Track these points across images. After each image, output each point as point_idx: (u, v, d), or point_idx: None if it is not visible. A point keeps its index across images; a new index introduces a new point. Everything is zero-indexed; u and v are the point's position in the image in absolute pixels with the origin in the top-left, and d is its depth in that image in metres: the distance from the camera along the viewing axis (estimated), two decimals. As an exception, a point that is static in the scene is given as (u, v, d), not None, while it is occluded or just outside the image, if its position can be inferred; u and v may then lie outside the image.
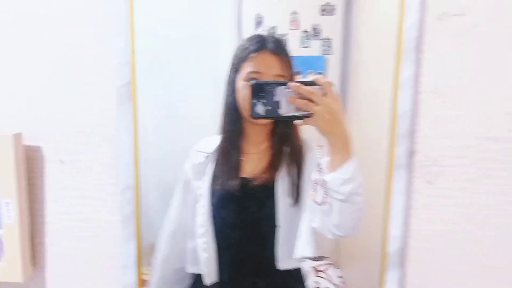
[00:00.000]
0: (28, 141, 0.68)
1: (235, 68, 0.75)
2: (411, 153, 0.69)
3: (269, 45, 0.74)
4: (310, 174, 0.72)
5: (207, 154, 0.78)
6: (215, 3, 0.81)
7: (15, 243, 0.67)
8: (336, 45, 0.78)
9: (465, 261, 0.72)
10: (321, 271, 0.86)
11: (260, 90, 0.64)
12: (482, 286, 0.73)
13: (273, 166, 0.76)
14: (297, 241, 0.76)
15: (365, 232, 0.80)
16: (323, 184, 0.67)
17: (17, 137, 0.66)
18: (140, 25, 0.67)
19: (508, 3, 0.65)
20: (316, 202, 0.69)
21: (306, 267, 0.91)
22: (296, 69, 0.78)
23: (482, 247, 0.71)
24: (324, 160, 0.67)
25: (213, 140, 0.79)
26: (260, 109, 0.64)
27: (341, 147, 0.65)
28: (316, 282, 0.89)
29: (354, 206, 0.68)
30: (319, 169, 0.68)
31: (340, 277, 0.91)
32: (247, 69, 0.73)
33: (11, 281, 0.68)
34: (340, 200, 0.67)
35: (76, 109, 0.69)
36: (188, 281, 0.82)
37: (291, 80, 0.68)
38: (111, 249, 0.72)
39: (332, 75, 0.78)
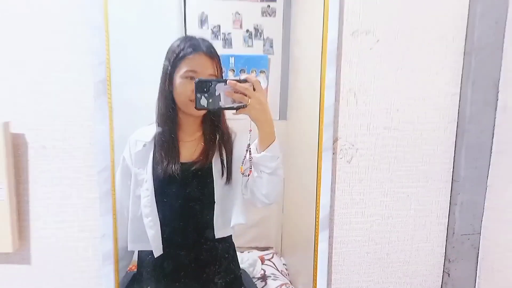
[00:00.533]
0: (14, 129, 0.78)
1: (173, 65, 0.83)
2: (335, 139, 0.89)
3: (203, 48, 0.84)
4: (237, 155, 0.89)
5: (144, 143, 0.86)
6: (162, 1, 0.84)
7: (5, 219, 0.76)
8: (277, 44, 0.85)
9: (375, 219, 0.93)
10: (267, 260, 1.03)
11: (203, 86, 0.78)
12: (387, 237, 0.94)
13: (207, 151, 0.88)
14: (231, 212, 0.90)
15: (303, 218, 0.96)
16: (250, 160, 0.84)
17: (6, 125, 0.75)
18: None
19: (402, 24, 0.87)
20: (242, 174, 0.86)
21: (253, 255, 1.06)
22: (241, 67, 0.90)
23: (385, 208, 0.93)
24: (254, 142, 0.84)
25: (149, 129, 0.87)
26: (204, 101, 0.79)
27: (268, 131, 0.83)
28: (263, 269, 1.04)
29: (278, 177, 0.87)
30: (248, 149, 0.85)
31: (284, 264, 1.07)
32: (184, 68, 0.83)
33: (1, 251, 0.77)
34: (268, 173, 0.85)
35: (58, 102, 0.78)
36: (127, 260, 0.92)
37: (227, 78, 0.82)
38: (90, 222, 0.83)
39: (273, 73, 0.86)
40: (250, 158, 0.85)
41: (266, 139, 0.84)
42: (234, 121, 0.90)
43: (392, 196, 0.93)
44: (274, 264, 1.04)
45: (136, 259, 0.94)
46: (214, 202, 0.89)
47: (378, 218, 0.93)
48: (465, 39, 0.89)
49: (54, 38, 0.77)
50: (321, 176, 0.87)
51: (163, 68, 0.84)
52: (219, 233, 0.90)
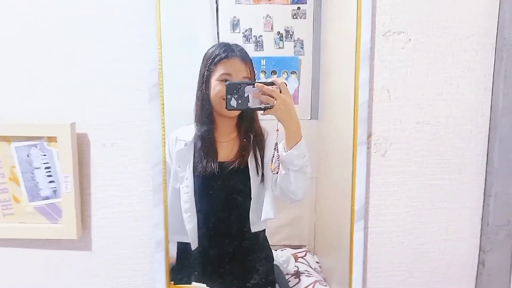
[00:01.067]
0: (79, 129, 0.87)
1: (209, 69, 0.90)
2: (369, 134, 0.94)
3: (236, 53, 0.90)
4: (269, 154, 0.94)
5: (186, 142, 0.93)
6: (194, 5, 0.89)
7: (70, 209, 0.85)
8: (308, 46, 0.88)
9: (409, 210, 0.97)
10: (300, 257, 1.08)
11: (233, 88, 0.85)
12: (421, 227, 0.98)
13: (243, 151, 0.94)
14: (262, 208, 0.96)
15: (336, 217, 1.00)
16: (278, 158, 0.90)
17: (73, 126, 0.85)
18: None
19: (433, 23, 0.90)
20: (272, 171, 0.92)
21: (287, 253, 1.10)
22: (273, 68, 0.95)
23: (419, 200, 0.96)
24: (281, 141, 0.90)
25: (189, 129, 0.92)
26: (233, 102, 0.85)
27: (294, 130, 0.89)
28: (296, 267, 1.07)
29: (305, 175, 0.92)
30: (276, 147, 0.91)
31: (317, 262, 1.09)
32: (220, 71, 0.89)
33: (68, 238, 0.86)
34: (294, 171, 0.91)
35: (116, 104, 0.88)
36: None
37: (256, 81, 0.88)
38: (144, 211, 0.91)
39: (304, 73, 0.90)
40: (278, 156, 0.90)
41: (293, 138, 0.89)
42: (267, 122, 0.95)
43: (426, 188, 0.96)
44: (308, 262, 1.08)
45: (175, 253, 0.99)
46: (251, 198, 0.95)
47: (412, 209, 0.97)
48: (496, 35, 0.92)
49: (116, 49, 0.87)
50: (356, 169, 0.92)
51: (200, 72, 0.91)
52: (254, 227, 0.96)
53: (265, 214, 0.96)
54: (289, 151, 0.90)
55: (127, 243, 0.93)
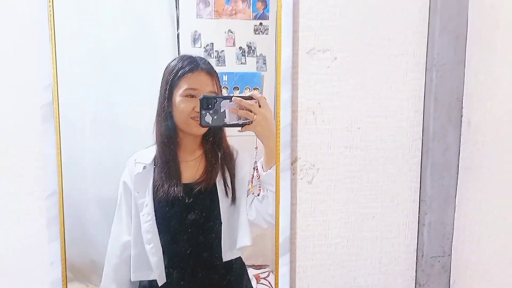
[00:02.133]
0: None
1: (171, 84, 0.81)
2: (294, 159, 0.87)
3: (201, 66, 0.83)
4: (240, 174, 0.86)
5: (144, 165, 0.84)
6: (153, 19, 0.84)
7: None
8: (271, 61, 0.83)
9: (340, 241, 0.90)
10: (262, 278, 0.99)
11: (208, 103, 0.78)
12: (353, 260, 0.90)
13: (211, 170, 0.86)
14: (237, 234, 0.87)
15: None
16: (258, 179, 0.83)
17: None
18: (71, 34, 0.77)
19: (359, 42, 0.85)
20: (253, 194, 0.85)
21: (249, 274, 1.01)
22: (235, 84, 0.90)
23: (350, 230, 0.90)
24: (260, 160, 0.83)
25: (149, 151, 0.85)
26: (208, 118, 0.79)
27: (274, 147, 0.82)
28: None
29: None
30: (255, 167, 0.84)
31: None
32: (183, 86, 0.81)
33: None
34: (274, 192, 0.84)
35: (4, 126, 0.78)
36: None
37: (233, 95, 0.82)
38: (38, 249, 0.80)
39: (267, 89, 0.85)
40: (258, 177, 0.83)
41: (273, 156, 0.83)
42: (235, 139, 0.87)
43: (357, 217, 0.90)
44: (270, 283, 1.00)
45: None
46: (221, 224, 0.86)
47: (343, 240, 0.90)
48: (426, 55, 0.87)
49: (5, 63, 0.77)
50: (279, 197, 0.84)
51: (161, 87, 0.83)
52: (226, 255, 0.87)
53: (240, 240, 0.87)
54: (269, 170, 0.83)
55: (19, 285, 0.81)
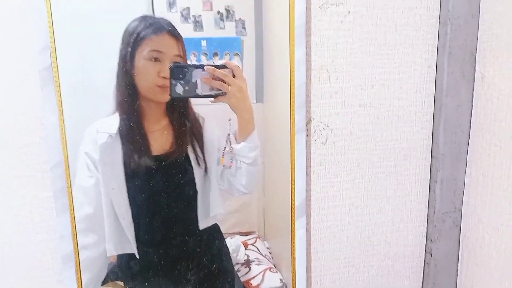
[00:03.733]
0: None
1: (133, 47, 0.75)
2: (308, 120, 0.84)
3: (166, 27, 0.76)
4: (209, 143, 0.83)
5: (109, 134, 0.77)
6: None
7: None
8: (250, 26, 0.81)
9: (354, 202, 0.89)
10: (250, 244, 0.97)
11: (179, 72, 0.72)
12: (366, 219, 0.90)
13: (181, 140, 0.81)
14: (210, 202, 0.85)
15: (284, 201, 0.91)
16: (230, 150, 0.80)
17: None
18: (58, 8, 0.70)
19: (373, -5, 0.81)
20: (225, 166, 0.82)
21: (236, 241, 1.01)
22: (214, 50, 0.85)
23: (363, 189, 0.89)
24: (233, 131, 0.80)
25: (110, 120, 0.78)
26: (179, 89, 0.73)
27: (247, 119, 0.78)
28: (246, 254, 0.99)
29: (257, 167, 0.83)
30: (228, 139, 0.80)
31: (268, 248, 1.03)
32: (146, 48, 0.75)
33: None
34: (247, 164, 0.81)
35: (2, 94, 0.72)
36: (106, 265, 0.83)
37: (205, 64, 0.75)
38: (47, 222, 0.76)
39: (247, 55, 0.83)
40: (231, 149, 0.80)
41: (246, 128, 0.79)
42: (201, 107, 0.83)
43: (370, 177, 0.89)
44: (258, 249, 1.01)
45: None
46: (196, 193, 0.83)
47: (356, 200, 0.89)
48: (440, 8, 0.84)
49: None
50: (295, 159, 0.82)
51: (120, 52, 0.75)
52: (202, 223, 0.85)
53: (213, 209, 0.85)
54: (242, 142, 0.80)
55: (28, 260, 0.77)
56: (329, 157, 0.86)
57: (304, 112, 0.81)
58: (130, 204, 0.79)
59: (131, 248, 0.80)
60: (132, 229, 0.80)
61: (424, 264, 0.94)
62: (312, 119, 0.84)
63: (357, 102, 0.85)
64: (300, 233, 0.85)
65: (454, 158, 0.88)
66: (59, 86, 0.71)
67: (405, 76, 0.86)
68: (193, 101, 0.82)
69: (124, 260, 0.83)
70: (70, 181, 0.74)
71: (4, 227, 0.76)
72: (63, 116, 0.72)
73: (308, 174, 0.85)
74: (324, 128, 0.85)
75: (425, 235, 0.93)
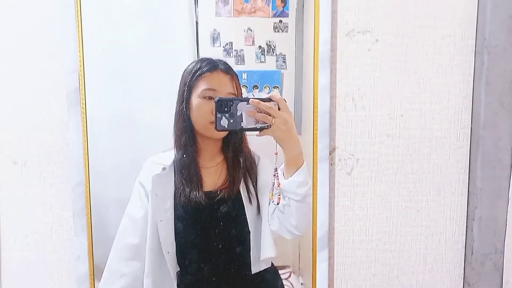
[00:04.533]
0: (-16, 143, 0.74)
1: (189, 85, 0.78)
2: (332, 149, 0.81)
3: (220, 66, 0.79)
4: (263, 182, 0.81)
5: (164, 166, 0.78)
6: (173, 18, 0.82)
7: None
8: (290, 60, 0.81)
9: (381, 237, 0.84)
10: (284, 279, 0.94)
11: (224, 106, 0.72)
12: (396, 257, 0.85)
13: (233, 177, 0.80)
14: (261, 244, 0.81)
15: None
16: (278, 187, 0.76)
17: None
18: (94, 31, 0.74)
19: (402, 22, 0.79)
20: (273, 202, 0.78)
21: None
22: (254, 82, 0.85)
23: (392, 224, 0.84)
24: (280, 166, 0.77)
25: (167, 154, 0.79)
26: (224, 122, 0.72)
27: (295, 153, 0.75)
28: None
29: (307, 206, 0.79)
30: (275, 174, 0.77)
31: (302, 284, 1.00)
32: (201, 86, 0.77)
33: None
34: (296, 201, 0.77)
35: (29, 113, 0.75)
36: None
37: (250, 97, 0.75)
38: (64, 242, 0.77)
39: (287, 88, 0.83)
40: (278, 184, 0.77)
41: (294, 163, 0.76)
42: (256, 145, 0.83)
43: (399, 211, 0.83)
44: (291, 284, 0.96)
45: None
46: (249, 233, 0.80)
47: (384, 236, 0.84)
48: (476, 36, 0.81)
49: (25, 49, 0.74)
50: (317, 189, 0.79)
51: (179, 90, 0.78)
52: (255, 267, 0.81)
53: (264, 252, 0.81)
54: (290, 178, 0.76)
55: (44, 280, 0.78)
56: (355, 188, 0.82)
57: (327, 140, 0.78)
58: (176, 239, 0.78)
59: (170, 285, 0.78)
60: (175, 264, 0.78)
61: (461, 311, 0.86)
62: (336, 147, 0.81)
63: (385, 132, 0.81)
64: (321, 267, 0.80)
65: (493, 195, 0.81)
66: (85, 108, 0.73)
67: (438, 106, 0.82)
68: (249, 138, 0.82)
69: None
70: (90, 202, 0.75)
71: (24, 245, 0.77)
72: (87, 137, 0.74)
73: (331, 205, 0.81)
74: (350, 157, 0.81)
75: (462, 277, 0.85)
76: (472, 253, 0.83)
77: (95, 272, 0.77)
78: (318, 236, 0.80)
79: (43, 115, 0.75)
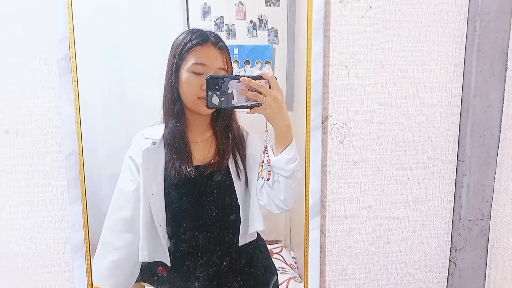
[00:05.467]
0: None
1: (179, 58, 0.76)
2: (325, 118, 0.81)
3: (211, 39, 0.77)
4: (251, 157, 0.81)
5: (154, 140, 0.78)
6: None
7: (-36, 208, 0.71)
8: (282, 34, 0.80)
9: (372, 204, 0.86)
10: (275, 253, 0.95)
11: (215, 83, 0.72)
12: (386, 224, 0.87)
13: (222, 152, 0.81)
14: (249, 218, 0.83)
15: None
16: (268, 163, 0.78)
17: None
18: (84, 6, 0.72)
19: (396, -11, 0.79)
20: (263, 178, 0.79)
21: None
22: (246, 57, 0.85)
23: (383, 192, 0.85)
24: (270, 143, 0.78)
25: (156, 128, 0.79)
26: (215, 100, 0.73)
27: (285, 131, 0.76)
28: None
29: (296, 181, 0.79)
30: (265, 151, 0.78)
31: (293, 258, 1.01)
32: (191, 60, 0.76)
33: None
34: (285, 176, 0.78)
35: (20, 82, 0.73)
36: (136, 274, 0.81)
37: (241, 75, 0.75)
38: (59, 211, 0.77)
39: (279, 63, 0.82)
40: (268, 161, 0.78)
41: (283, 140, 0.77)
42: (245, 121, 0.82)
43: (390, 179, 0.85)
44: (283, 258, 0.98)
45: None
46: (238, 206, 0.82)
47: (375, 203, 0.85)
48: (468, 3, 0.80)
49: (12, 15, 0.72)
50: (309, 157, 0.79)
51: (168, 62, 0.77)
52: (242, 240, 0.83)
53: (252, 225, 0.83)
54: (279, 154, 0.77)
55: (40, 248, 0.78)
56: (347, 157, 0.83)
57: (320, 109, 0.79)
58: (167, 211, 0.79)
59: (164, 256, 0.80)
60: (167, 236, 0.80)
61: (448, 274, 0.89)
62: (329, 116, 0.81)
63: (377, 101, 0.82)
64: (313, 234, 0.82)
65: (482, 162, 0.83)
66: (77, 76, 0.72)
67: (430, 74, 0.82)
68: (238, 114, 0.82)
69: (154, 266, 0.82)
70: (84, 171, 0.75)
71: (18, 214, 0.77)
72: (79, 106, 0.73)
73: (323, 174, 0.82)
74: (342, 126, 0.82)
75: (450, 243, 0.88)
76: (460, 219, 0.85)
77: (91, 240, 0.78)
78: (310, 203, 0.81)
79: (33, 83, 0.74)
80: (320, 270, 0.84)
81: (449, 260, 0.88)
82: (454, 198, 0.86)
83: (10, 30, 0.72)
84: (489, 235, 0.85)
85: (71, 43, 0.71)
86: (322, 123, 0.80)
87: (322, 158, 0.81)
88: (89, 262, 0.77)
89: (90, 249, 0.77)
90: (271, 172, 0.79)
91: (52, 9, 0.71)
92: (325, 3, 0.76)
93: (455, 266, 0.87)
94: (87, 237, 0.77)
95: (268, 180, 0.79)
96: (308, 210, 0.82)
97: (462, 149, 0.84)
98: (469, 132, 0.82)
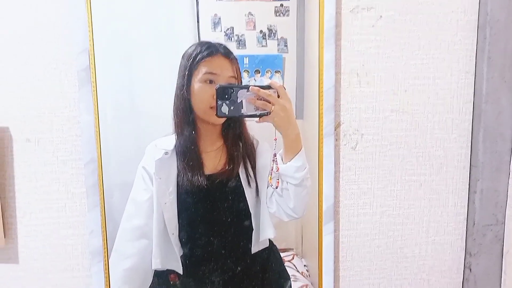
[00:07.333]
0: (-3, 122, 0.75)
1: (190, 70, 0.78)
2: (337, 124, 0.83)
3: (220, 50, 0.80)
4: (261, 165, 0.83)
5: (166, 151, 0.80)
6: (173, 2, 0.82)
7: (-13, 216, 0.73)
8: (292, 44, 0.81)
9: (385, 210, 0.86)
10: (287, 261, 0.95)
11: (224, 93, 0.74)
12: (399, 229, 0.87)
13: (233, 161, 0.82)
14: (260, 225, 0.84)
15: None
16: (277, 171, 0.79)
17: (-12, 118, 0.72)
18: (100, 19, 0.74)
19: (406, -2, 0.80)
20: (271, 186, 0.80)
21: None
22: (256, 67, 0.85)
23: (396, 198, 0.86)
24: (279, 151, 0.79)
25: (168, 139, 0.81)
26: (225, 109, 0.74)
27: (293, 139, 0.78)
28: None
29: (305, 189, 0.80)
30: (274, 159, 0.79)
31: (305, 266, 1.01)
32: (202, 71, 0.78)
33: (-16, 250, 0.74)
34: (294, 184, 0.79)
35: (40, 92, 0.76)
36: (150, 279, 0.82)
37: (250, 85, 0.77)
38: (78, 218, 0.79)
39: (288, 72, 0.84)
40: (277, 169, 0.79)
41: (292, 148, 0.78)
42: (255, 129, 0.84)
43: (403, 185, 0.85)
44: (295, 266, 0.98)
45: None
46: (250, 215, 0.83)
47: (388, 209, 0.86)
48: (478, 12, 0.82)
49: (35, 29, 0.75)
50: (322, 163, 0.81)
51: (179, 73, 0.79)
52: (255, 247, 0.84)
53: (263, 233, 0.84)
54: (288, 162, 0.79)
55: (59, 254, 0.80)
56: (359, 163, 0.84)
57: (332, 116, 0.80)
58: (180, 219, 0.80)
59: (176, 264, 0.81)
60: (180, 245, 0.81)
61: (463, 280, 0.88)
62: (341, 123, 0.82)
63: (389, 107, 0.83)
64: (327, 239, 0.83)
65: (494, 168, 0.83)
66: (96, 86, 0.75)
67: (441, 81, 0.83)
68: (248, 123, 0.83)
69: (166, 274, 0.83)
70: (102, 178, 0.77)
71: (38, 221, 0.79)
72: (98, 115, 0.75)
73: (336, 180, 0.83)
74: (354, 133, 0.83)
75: (464, 249, 0.88)
76: (474, 225, 0.85)
77: (108, 246, 0.79)
78: (323, 209, 0.82)
79: (54, 93, 0.76)
80: (334, 275, 0.84)
81: (464, 265, 0.88)
82: (468, 204, 0.87)
83: (32, 43, 0.75)
84: (504, 240, 0.85)
85: (91, 55, 0.74)
86: (335, 130, 0.81)
87: (335, 164, 0.82)
88: (107, 268, 0.79)
89: (108, 255, 0.79)
90: (280, 180, 0.80)
91: (72, 23, 0.74)
92: (336, 13, 0.78)
93: (470, 271, 0.87)
94: (105, 243, 0.78)
95: (276, 188, 0.80)
96: (322, 216, 0.82)
97: (475, 154, 0.84)
98: (481, 138, 0.83)
